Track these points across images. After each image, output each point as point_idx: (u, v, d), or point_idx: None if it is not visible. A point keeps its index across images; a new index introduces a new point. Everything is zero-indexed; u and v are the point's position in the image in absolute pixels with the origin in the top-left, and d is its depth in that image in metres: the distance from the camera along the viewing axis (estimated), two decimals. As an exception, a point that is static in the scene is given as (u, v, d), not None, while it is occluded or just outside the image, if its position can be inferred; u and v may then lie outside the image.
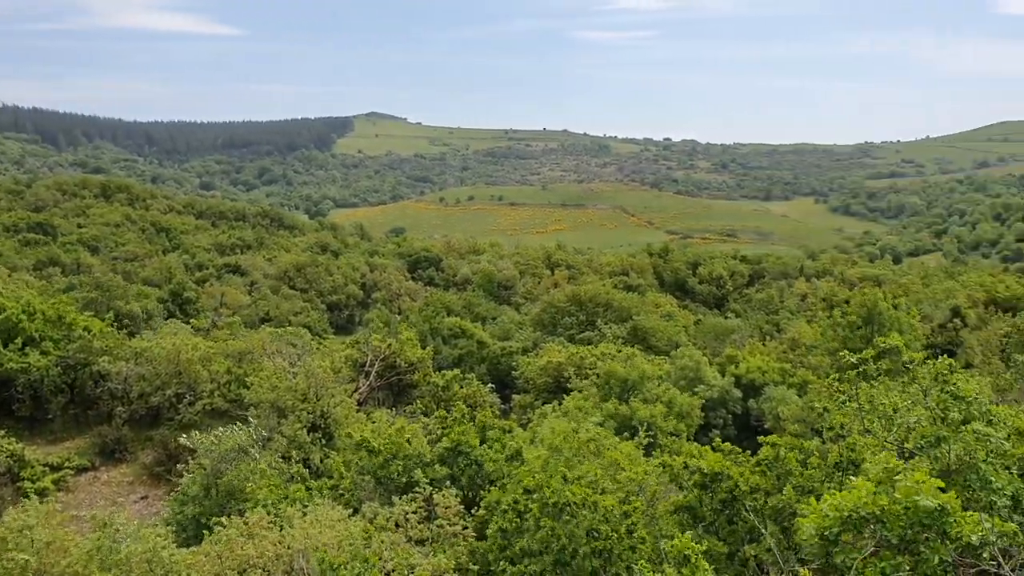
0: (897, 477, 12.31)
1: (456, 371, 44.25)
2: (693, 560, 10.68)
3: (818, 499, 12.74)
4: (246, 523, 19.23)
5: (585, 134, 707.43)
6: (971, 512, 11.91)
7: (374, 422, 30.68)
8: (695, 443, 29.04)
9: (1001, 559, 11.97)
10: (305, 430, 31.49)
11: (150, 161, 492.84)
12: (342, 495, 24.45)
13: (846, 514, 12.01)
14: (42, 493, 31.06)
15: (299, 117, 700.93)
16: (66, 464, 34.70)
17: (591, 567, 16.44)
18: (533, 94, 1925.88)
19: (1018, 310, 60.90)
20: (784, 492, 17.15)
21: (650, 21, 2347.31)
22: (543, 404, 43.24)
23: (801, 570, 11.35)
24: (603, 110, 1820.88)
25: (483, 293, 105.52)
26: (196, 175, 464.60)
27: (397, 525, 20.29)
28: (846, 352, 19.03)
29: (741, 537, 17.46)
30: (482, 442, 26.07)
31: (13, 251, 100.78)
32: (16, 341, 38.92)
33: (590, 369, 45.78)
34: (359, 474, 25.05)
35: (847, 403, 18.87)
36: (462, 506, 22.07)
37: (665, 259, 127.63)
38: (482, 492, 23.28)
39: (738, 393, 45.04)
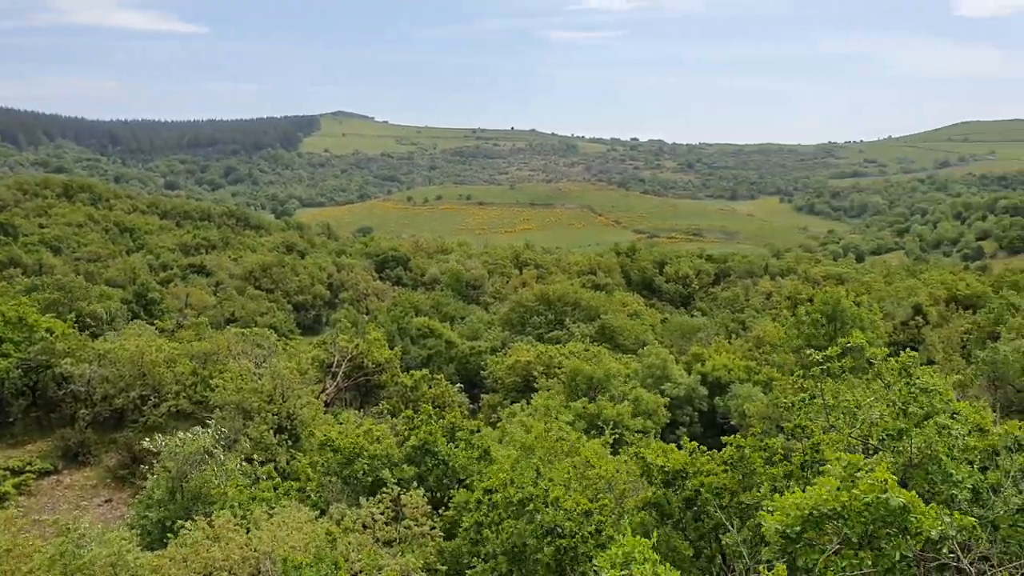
0: (857, 474, 12.45)
1: (424, 371, 44.16)
2: (639, 559, 10.71)
3: (782, 496, 12.86)
4: (212, 526, 19.08)
5: (553, 134, 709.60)
6: (931, 506, 12.09)
7: (341, 423, 30.56)
8: (661, 441, 29.20)
9: (960, 553, 12.17)
10: (271, 432, 31.29)
11: (114, 160, 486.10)
12: (308, 497, 24.33)
13: (807, 512, 12.13)
14: (3, 498, 30.63)
15: (265, 116, 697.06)
16: (28, 468, 34.22)
17: (549, 565, 16.45)
18: (501, 93, 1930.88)
19: (978, 307, 61.89)
20: (751, 492, 17.30)
21: (617, 21, 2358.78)
22: (512, 403, 43.28)
23: (777, 565, 11.41)
24: (571, 110, 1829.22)
25: (451, 293, 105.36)
26: (161, 174, 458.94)
27: (365, 526, 20.22)
28: (813, 350, 19.25)
29: (707, 534, 17.59)
30: (451, 442, 26.04)
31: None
32: (-24, 343, 38.32)
33: (558, 368, 45.91)
34: (325, 475, 24.93)
35: (812, 400, 19.11)
36: (430, 506, 22.05)
37: (632, 258, 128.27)
38: (450, 492, 23.26)
39: (704, 391, 45.40)
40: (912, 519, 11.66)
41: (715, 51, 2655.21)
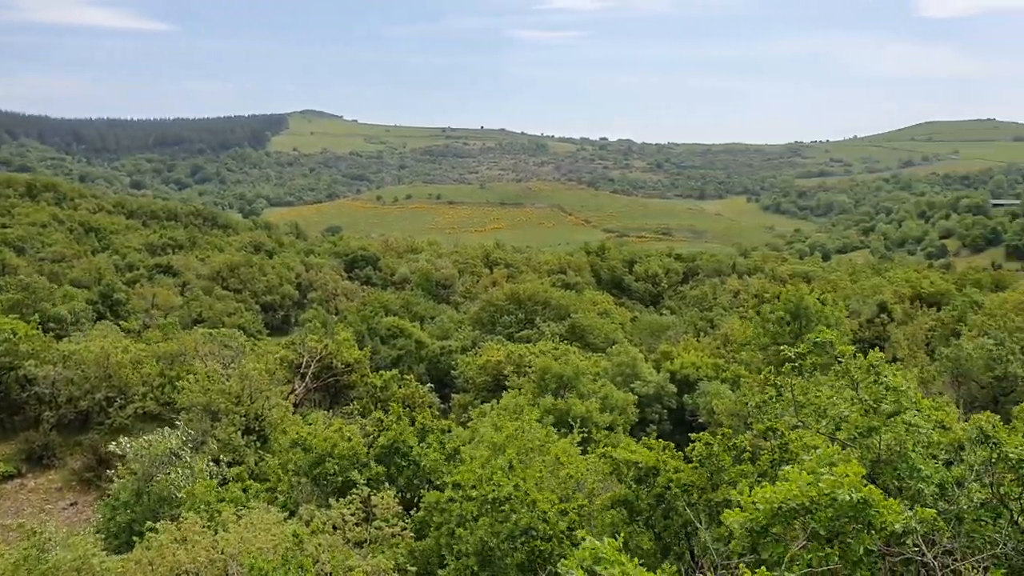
0: (822, 470, 12.59)
1: (394, 371, 44.04)
2: (608, 559, 10.74)
3: (750, 490, 12.95)
4: (179, 528, 18.91)
5: (523, 133, 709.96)
6: (894, 500, 12.25)
7: (310, 424, 30.41)
8: (631, 438, 29.35)
9: (924, 547, 12.35)
10: (239, 433, 31.06)
11: (79, 159, 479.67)
12: (277, 498, 24.19)
13: (777, 505, 12.23)
14: (-35, 502, 30.13)
15: (233, 115, 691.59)
16: (-10, 472, 33.73)
17: (521, 566, 16.48)
18: (471, 92, 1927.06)
19: (942, 305, 62.82)
20: (720, 489, 17.41)
21: (585, 20, 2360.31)
22: (482, 403, 43.27)
23: (740, 566, 11.51)
24: (540, 109, 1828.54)
25: (421, 292, 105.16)
26: (127, 173, 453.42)
27: (335, 527, 20.14)
28: (786, 347, 19.40)
29: (676, 531, 17.69)
30: (422, 442, 26.01)
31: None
32: (-64, 345, 37.70)
33: (529, 367, 45.97)
34: (295, 475, 24.80)
35: (779, 397, 19.25)
36: (401, 507, 22.01)
37: (602, 257, 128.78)
38: (421, 492, 23.23)
39: (673, 388, 45.70)
40: (874, 513, 11.80)
41: (683, 51, 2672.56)
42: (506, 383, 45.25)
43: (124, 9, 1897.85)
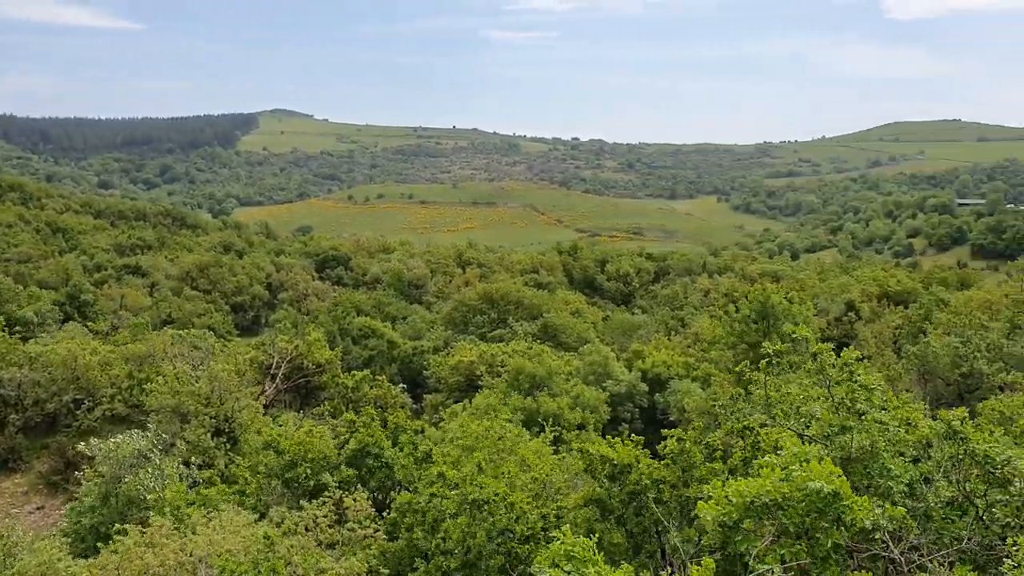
0: (794, 466, 12.70)
1: (366, 371, 43.86)
2: (580, 557, 10.78)
3: (723, 485, 13.03)
4: (147, 531, 18.71)
5: (495, 133, 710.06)
6: (863, 497, 12.39)
7: (281, 425, 30.23)
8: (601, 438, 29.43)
9: (891, 543, 12.50)
10: (209, 435, 30.80)
11: (45, 159, 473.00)
12: (247, 500, 24.00)
13: (749, 500, 12.32)
14: (-72, 507, 29.66)
15: (202, 114, 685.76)
16: (-46, 476, 33.21)
17: (502, 567, 16.50)
18: (443, 92, 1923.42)
19: (909, 303, 63.55)
20: (692, 486, 17.51)
21: (557, 21, 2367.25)
22: (455, 403, 43.24)
23: (705, 559, 11.58)
24: (513, 109, 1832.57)
25: (393, 292, 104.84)
26: (95, 173, 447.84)
27: (307, 529, 20.03)
28: (767, 343, 19.52)
29: (647, 528, 17.76)
30: (394, 444, 25.92)
31: None
32: (-103, 348, 37.05)
33: (501, 367, 46.00)
34: (266, 477, 24.63)
35: (748, 396, 19.41)
36: (373, 509, 21.94)
37: (574, 257, 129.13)
38: (392, 494, 23.17)
39: (645, 387, 45.95)
40: (844, 508, 11.93)
41: (653, 52, 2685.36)
42: (479, 383, 45.26)
43: (93, 7, 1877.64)
